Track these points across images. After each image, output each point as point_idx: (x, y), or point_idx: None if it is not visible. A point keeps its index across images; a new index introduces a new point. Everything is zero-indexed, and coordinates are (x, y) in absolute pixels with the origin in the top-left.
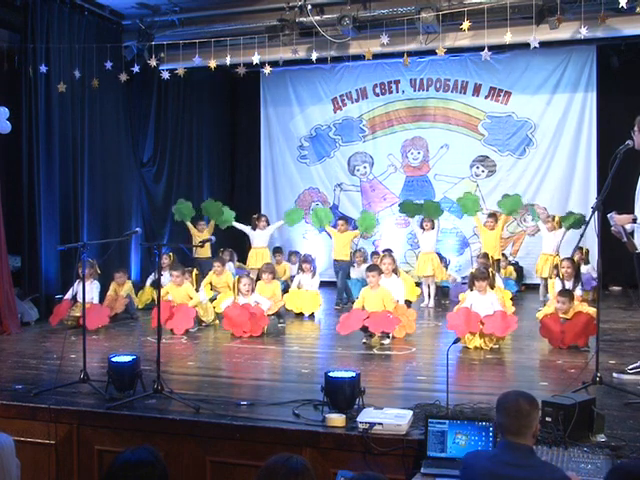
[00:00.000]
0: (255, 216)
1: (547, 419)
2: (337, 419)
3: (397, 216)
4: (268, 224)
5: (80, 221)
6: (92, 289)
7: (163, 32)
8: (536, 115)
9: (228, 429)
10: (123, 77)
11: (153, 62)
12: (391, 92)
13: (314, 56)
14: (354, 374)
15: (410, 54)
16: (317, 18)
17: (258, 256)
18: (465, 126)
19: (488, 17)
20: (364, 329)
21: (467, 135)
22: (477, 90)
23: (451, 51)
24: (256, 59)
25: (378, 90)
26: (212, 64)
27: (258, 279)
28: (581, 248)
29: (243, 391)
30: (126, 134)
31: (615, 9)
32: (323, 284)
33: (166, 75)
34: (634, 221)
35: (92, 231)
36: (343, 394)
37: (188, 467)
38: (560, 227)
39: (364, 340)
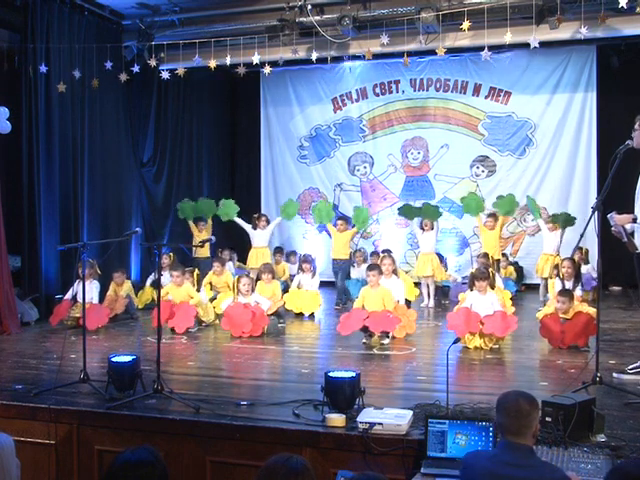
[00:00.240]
0: (255, 215)
1: (547, 419)
2: (337, 419)
3: (397, 216)
4: (268, 223)
5: (80, 221)
6: (92, 289)
7: (163, 32)
8: (536, 115)
9: (228, 429)
10: (123, 77)
11: (153, 62)
12: (391, 92)
13: (314, 56)
14: (354, 374)
15: (410, 54)
16: (317, 18)
17: (259, 256)
18: (465, 126)
19: (488, 17)
20: (364, 329)
21: (467, 135)
22: (477, 90)
23: (451, 51)
24: (256, 59)
25: (378, 90)
26: (212, 64)
27: (258, 279)
28: (581, 248)
29: (243, 391)
30: (126, 134)
31: (615, 9)
32: (323, 284)
33: (166, 75)
34: (634, 221)
35: (92, 231)
36: (343, 394)
37: (188, 467)
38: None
39: (364, 340)
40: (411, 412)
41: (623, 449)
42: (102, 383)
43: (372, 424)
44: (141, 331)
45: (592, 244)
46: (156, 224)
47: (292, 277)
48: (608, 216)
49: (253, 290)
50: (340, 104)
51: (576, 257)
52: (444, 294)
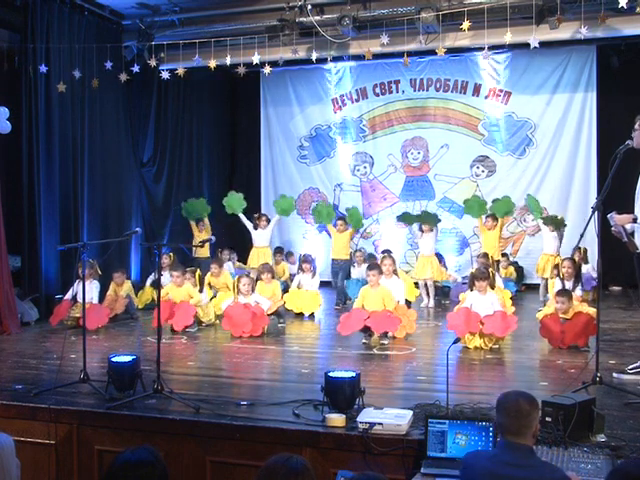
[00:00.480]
0: (256, 215)
1: (547, 419)
2: (337, 419)
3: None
4: (268, 223)
5: (80, 221)
6: (92, 289)
7: (163, 32)
8: (536, 115)
9: (228, 429)
10: (123, 77)
11: (153, 62)
12: (391, 92)
13: (314, 56)
14: (354, 374)
15: (410, 54)
16: (317, 18)
17: (260, 255)
18: (465, 126)
19: (488, 17)
20: (364, 329)
21: (467, 135)
22: (477, 90)
23: (451, 51)
24: (256, 59)
25: (378, 90)
26: (212, 64)
27: (258, 279)
28: (580, 248)
29: (243, 391)
30: (126, 134)
31: (615, 9)
32: (323, 284)
33: (166, 75)
34: (634, 221)
35: (92, 231)
36: (343, 394)
37: (188, 467)
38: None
39: (364, 340)
40: (411, 412)
41: (623, 449)
42: (102, 383)
43: (372, 424)
44: (141, 331)
45: (592, 244)
46: (156, 224)
47: (292, 277)
48: (608, 216)
49: (253, 290)
50: (340, 104)
51: (576, 257)
52: (444, 294)
